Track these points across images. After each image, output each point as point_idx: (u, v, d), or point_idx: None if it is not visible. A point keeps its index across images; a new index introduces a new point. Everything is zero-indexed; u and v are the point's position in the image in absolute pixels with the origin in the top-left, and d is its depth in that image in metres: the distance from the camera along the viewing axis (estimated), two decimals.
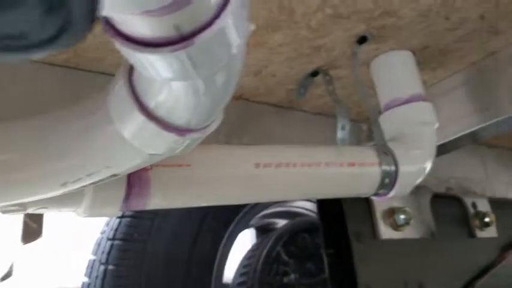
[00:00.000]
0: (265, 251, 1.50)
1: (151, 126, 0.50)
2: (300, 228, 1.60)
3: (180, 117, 0.50)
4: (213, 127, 0.56)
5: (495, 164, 1.83)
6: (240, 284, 1.54)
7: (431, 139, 1.02)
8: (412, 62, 1.08)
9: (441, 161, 1.71)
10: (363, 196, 0.93)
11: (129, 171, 0.60)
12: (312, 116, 1.33)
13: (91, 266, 1.25)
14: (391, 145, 0.95)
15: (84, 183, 0.58)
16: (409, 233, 1.28)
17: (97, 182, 0.58)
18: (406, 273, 1.25)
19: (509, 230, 1.58)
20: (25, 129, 0.57)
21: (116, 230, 1.22)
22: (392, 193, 0.93)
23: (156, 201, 0.69)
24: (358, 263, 1.15)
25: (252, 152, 0.78)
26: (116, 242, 1.20)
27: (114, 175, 0.57)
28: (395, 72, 1.06)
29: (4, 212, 0.65)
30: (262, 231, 1.69)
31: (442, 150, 1.33)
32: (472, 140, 1.28)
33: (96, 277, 1.21)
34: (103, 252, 1.22)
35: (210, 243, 1.30)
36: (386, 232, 1.24)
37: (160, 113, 0.49)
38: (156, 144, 0.53)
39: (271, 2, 0.85)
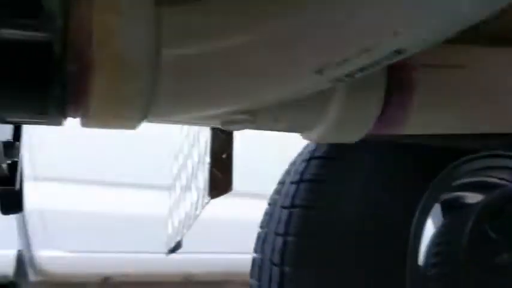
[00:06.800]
0: (469, 227, 1.30)
1: None
2: (504, 199, 1.36)
3: None
4: None
5: None
6: (435, 264, 1.36)
7: None
8: None
9: None
10: None
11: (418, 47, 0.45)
12: None
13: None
14: None
15: (346, 71, 0.46)
16: None
17: (368, 66, 0.45)
18: None
19: None
20: None
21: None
22: None
23: (416, 117, 0.55)
24: None
25: None
26: (302, 184, 1.09)
27: (399, 51, 0.43)
28: None
29: (226, 124, 0.52)
30: (448, 207, 1.48)
31: None
32: None
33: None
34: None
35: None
36: None
37: None
38: None
39: None
